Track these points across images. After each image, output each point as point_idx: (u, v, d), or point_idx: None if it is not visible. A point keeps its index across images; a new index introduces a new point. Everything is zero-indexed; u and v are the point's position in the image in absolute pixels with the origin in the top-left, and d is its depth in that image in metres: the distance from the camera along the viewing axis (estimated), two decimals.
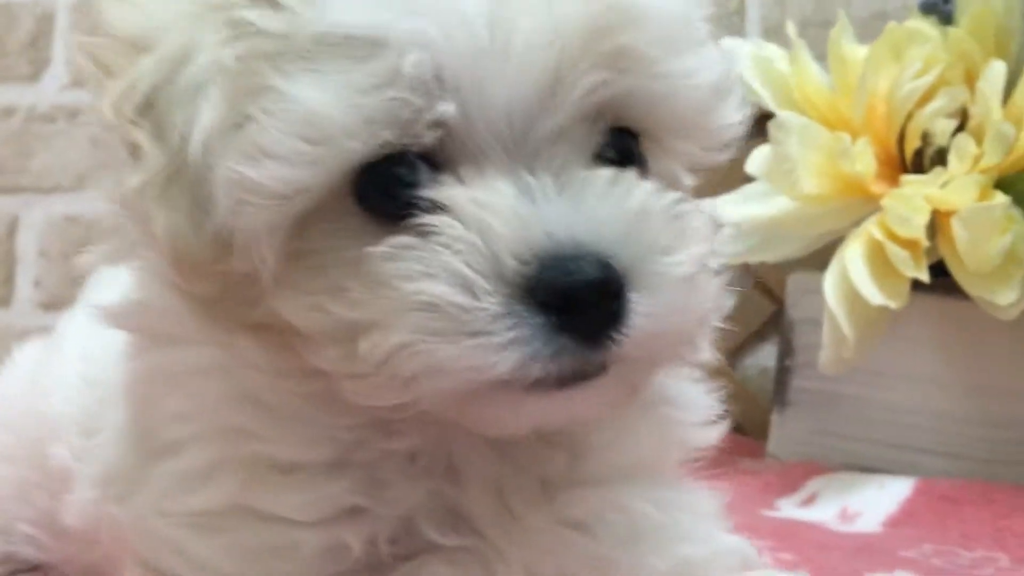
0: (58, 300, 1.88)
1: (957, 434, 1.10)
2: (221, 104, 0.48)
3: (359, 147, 0.47)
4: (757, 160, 1.12)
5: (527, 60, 0.47)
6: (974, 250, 0.98)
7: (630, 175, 0.50)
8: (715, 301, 0.51)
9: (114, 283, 0.72)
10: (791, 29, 1.18)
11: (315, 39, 0.47)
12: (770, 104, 1.17)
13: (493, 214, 0.46)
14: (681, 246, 0.49)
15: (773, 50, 1.19)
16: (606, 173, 0.49)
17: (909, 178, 1.08)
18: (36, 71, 1.92)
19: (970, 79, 1.13)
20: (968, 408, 1.10)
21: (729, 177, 1.46)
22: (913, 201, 1.03)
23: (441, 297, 0.45)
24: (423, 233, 0.47)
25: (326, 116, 0.46)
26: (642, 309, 0.46)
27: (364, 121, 0.46)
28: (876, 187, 1.09)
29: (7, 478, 0.78)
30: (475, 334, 0.45)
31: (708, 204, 0.56)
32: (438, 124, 0.47)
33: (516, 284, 0.45)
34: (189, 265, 0.50)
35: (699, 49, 0.53)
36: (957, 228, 0.99)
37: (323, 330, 0.48)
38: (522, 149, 0.48)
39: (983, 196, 1.01)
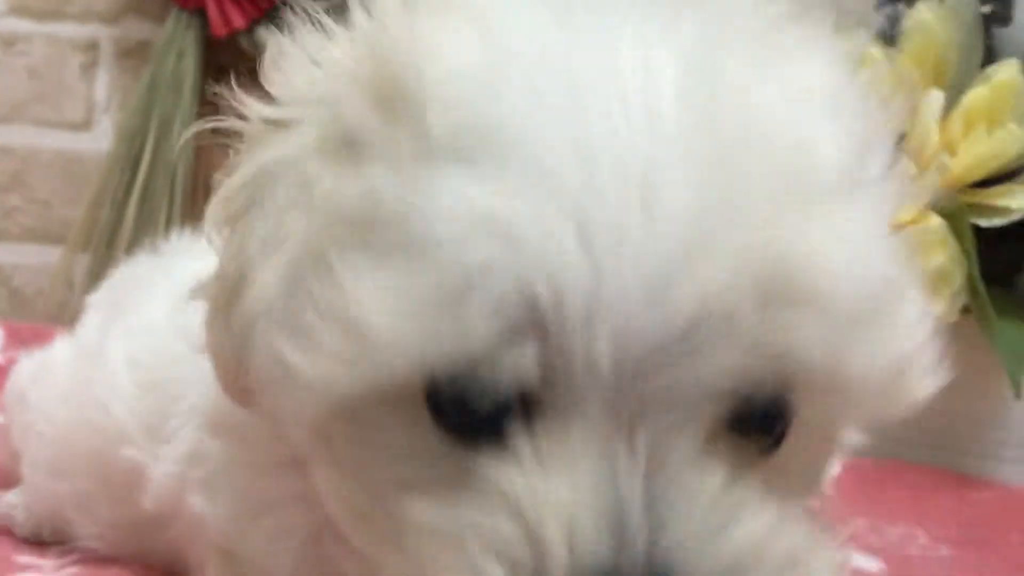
0: None
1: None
2: (280, 266, 0.42)
3: (407, 366, 0.37)
4: None
5: (655, 312, 0.36)
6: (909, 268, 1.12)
7: (750, 488, 0.38)
8: None
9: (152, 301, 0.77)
10: None
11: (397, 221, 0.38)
12: None
13: (553, 516, 0.36)
14: None
15: None
16: (718, 478, 0.37)
17: None
18: None
19: (913, 103, 1.26)
20: None
21: None
22: None
23: None
24: (480, 491, 0.38)
25: (374, 323, 0.37)
26: None
27: (423, 338, 0.36)
28: None
29: (64, 493, 0.79)
30: None
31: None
32: (529, 356, 0.36)
33: None
34: (234, 389, 0.48)
35: (890, 320, 0.40)
36: None
37: (345, 522, 0.44)
38: (624, 407, 0.37)
39: (920, 216, 1.15)
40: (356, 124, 0.42)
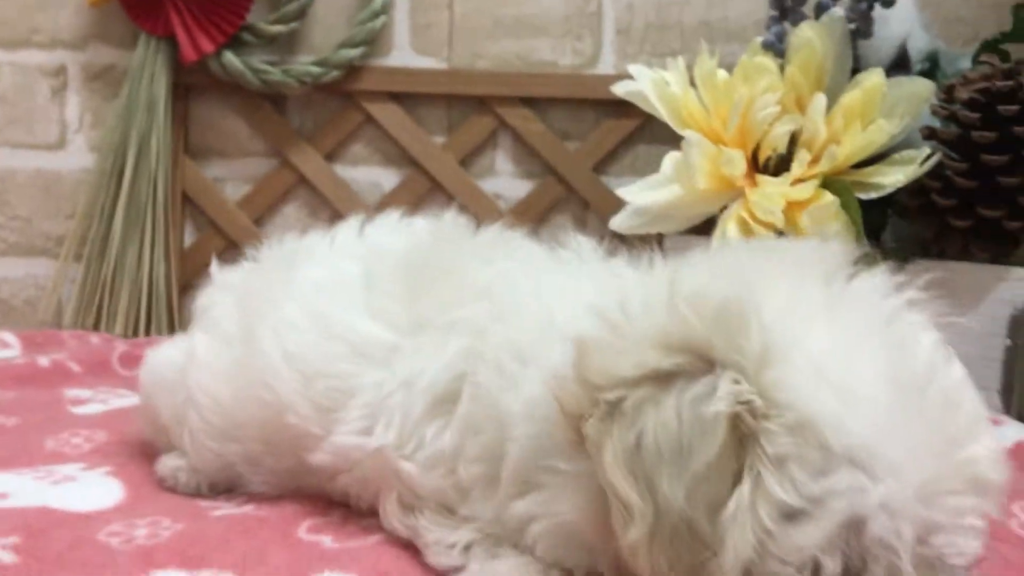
0: None
1: None
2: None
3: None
4: (668, 163, 1.53)
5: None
6: (814, 233, 1.45)
7: None
8: None
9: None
10: (679, 62, 1.59)
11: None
12: (665, 118, 1.59)
13: None
14: None
15: (669, 75, 1.60)
16: None
17: (763, 178, 1.53)
18: None
19: (800, 104, 1.58)
20: None
21: (634, 169, 1.91)
22: (772, 197, 1.48)
23: None
24: None
25: None
26: None
27: None
28: (741, 183, 1.53)
29: (237, 452, 1.00)
30: None
31: None
32: None
33: None
34: None
35: None
36: (804, 217, 1.45)
37: None
38: None
39: (817, 195, 1.48)
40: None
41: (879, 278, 0.69)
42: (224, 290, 1.10)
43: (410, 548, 0.87)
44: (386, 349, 0.91)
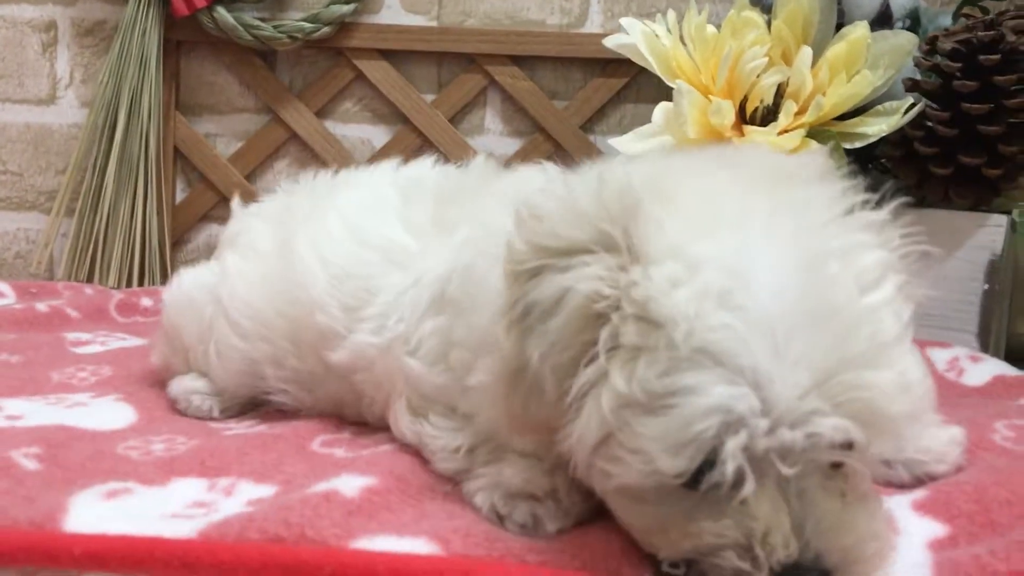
0: None
1: None
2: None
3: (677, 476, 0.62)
4: (659, 113, 1.57)
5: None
6: None
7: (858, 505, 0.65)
8: None
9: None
10: (670, 16, 1.62)
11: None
12: (656, 70, 1.62)
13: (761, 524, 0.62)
14: (880, 562, 0.65)
15: (659, 28, 1.63)
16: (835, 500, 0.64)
17: (751, 128, 1.57)
18: None
19: (787, 57, 1.62)
20: None
21: (621, 127, 1.94)
22: (759, 147, 1.51)
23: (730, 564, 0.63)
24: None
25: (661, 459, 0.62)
26: None
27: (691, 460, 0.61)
28: (729, 133, 1.57)
29: (264, 351, 1.04)
30: None
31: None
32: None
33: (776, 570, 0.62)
34: (516, 425, 0.73)
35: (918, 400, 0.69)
36: None
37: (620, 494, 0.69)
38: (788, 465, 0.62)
39: (803, 144, 1.52)
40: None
41: (840, 195, 0.70)
42: (254, 217, 1.16)
43: (422, 456, 0.90)
44: (410, 254, 0.96)
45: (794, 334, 0.61)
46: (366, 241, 0.99)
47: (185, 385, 1.11)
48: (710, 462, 0.62)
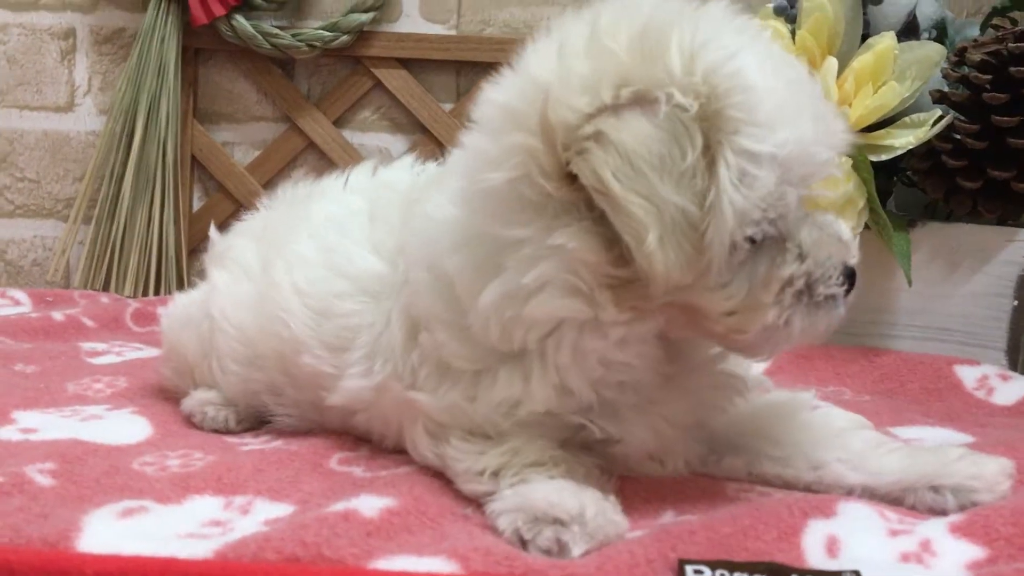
0: None
1: None
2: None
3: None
4: None
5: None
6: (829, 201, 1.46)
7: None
8: None
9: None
10: None
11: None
12: None
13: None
14: None
15: None
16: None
17: None
18: None
19: (812, 68, 1.59)
20: None
21: None
22: None
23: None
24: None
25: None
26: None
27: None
28: None
29: (261, 380, 1.03)
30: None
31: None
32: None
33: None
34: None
35: None
36: None
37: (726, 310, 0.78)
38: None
39: None
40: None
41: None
42: (240, 235, 1.14)
43: (441, 476, 0.88)
44: (383, 282, 0.93)
45: (800, 102, 0.77)
46: (339, 269, 0.97)
47: (198, 398, 1.09)
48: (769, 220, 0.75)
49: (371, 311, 0.93)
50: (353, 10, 1.99)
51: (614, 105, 0.73)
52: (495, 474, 0.82)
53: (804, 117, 0.76)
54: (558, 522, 0.73)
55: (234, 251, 1.11)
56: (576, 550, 0.72)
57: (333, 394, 0.96)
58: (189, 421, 1.09)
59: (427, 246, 0.86)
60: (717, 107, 0.73)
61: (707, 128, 0.73)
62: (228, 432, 1.07)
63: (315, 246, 1.01)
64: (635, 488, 0.86)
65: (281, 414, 1.04)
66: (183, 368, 1.12)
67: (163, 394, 1.18)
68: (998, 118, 1.44)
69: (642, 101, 0.73)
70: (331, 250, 0.99)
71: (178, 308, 1.14)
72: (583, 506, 0.74)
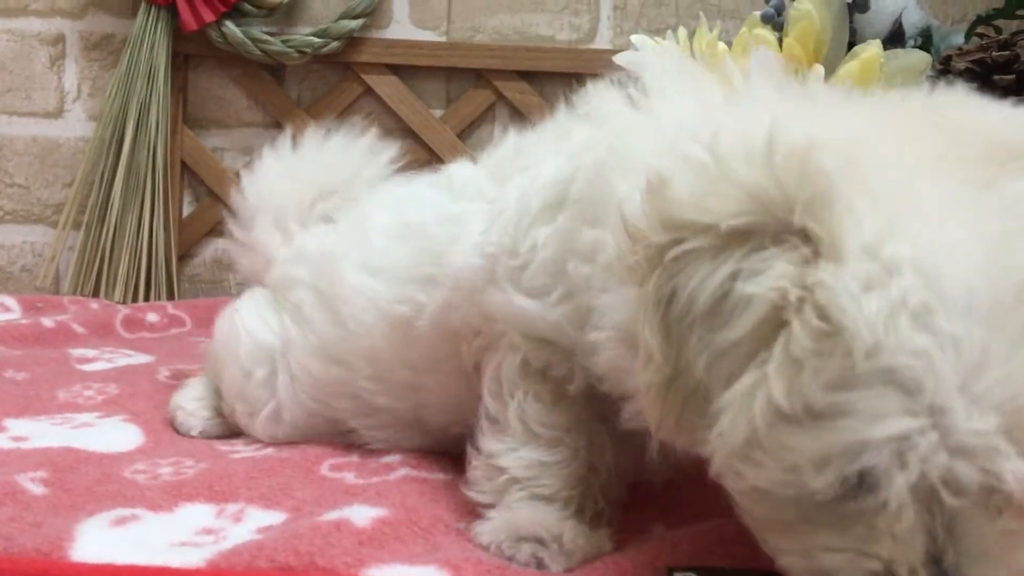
0: None
1: None
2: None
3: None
4: None
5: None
6: None
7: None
8: None
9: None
10: (681, 32, 1.61)
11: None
12: None
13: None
14: None
15: (669, 45, 1.62)
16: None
17: None
18: None
19: (798, 76, 1.61)
20: None
21: None
22: None
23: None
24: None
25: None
26: None
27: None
28: None
29: (338, 378, 0.99)
30: None
31: None
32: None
33: None
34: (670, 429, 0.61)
35: None
36: None
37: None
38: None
39: None
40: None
41: None
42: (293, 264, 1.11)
43: (430, 484, 0.89)
44: (484, 199, 0.88)
45: (988, 362, 0.53)
46: (416, 230, 0.94)
47: (180, 402, 1.11)
48: (868, 486, 0.55)
49: (478, 203, 0.89)
50: (343, 16, 1.99)
51: (724, 228, 0.59)
52: (501, 492, 0.80)
53: (972, 395, 0.54)
54: (538, 540, 0.74)
55: (296, 292, 1.07)
56: (555, 567, 0.74)
57: (434, 292, 0.88)
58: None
59: (622, 150, 0.73)
60: None
61: None
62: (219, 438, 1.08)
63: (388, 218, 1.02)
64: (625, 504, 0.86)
65: (366, 437, 1.01)
66: (217, 376, 1.10)
67: (154, 399, 1.19)
68: None
69: (753, 239, 0.59)
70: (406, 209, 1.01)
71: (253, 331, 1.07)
72: (562, 530, 0.75)
